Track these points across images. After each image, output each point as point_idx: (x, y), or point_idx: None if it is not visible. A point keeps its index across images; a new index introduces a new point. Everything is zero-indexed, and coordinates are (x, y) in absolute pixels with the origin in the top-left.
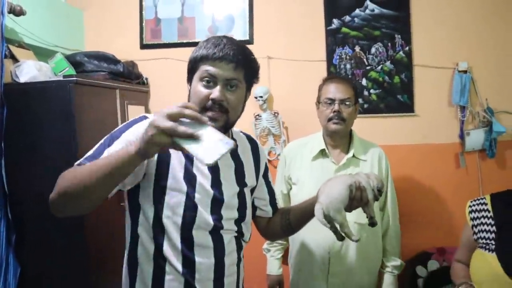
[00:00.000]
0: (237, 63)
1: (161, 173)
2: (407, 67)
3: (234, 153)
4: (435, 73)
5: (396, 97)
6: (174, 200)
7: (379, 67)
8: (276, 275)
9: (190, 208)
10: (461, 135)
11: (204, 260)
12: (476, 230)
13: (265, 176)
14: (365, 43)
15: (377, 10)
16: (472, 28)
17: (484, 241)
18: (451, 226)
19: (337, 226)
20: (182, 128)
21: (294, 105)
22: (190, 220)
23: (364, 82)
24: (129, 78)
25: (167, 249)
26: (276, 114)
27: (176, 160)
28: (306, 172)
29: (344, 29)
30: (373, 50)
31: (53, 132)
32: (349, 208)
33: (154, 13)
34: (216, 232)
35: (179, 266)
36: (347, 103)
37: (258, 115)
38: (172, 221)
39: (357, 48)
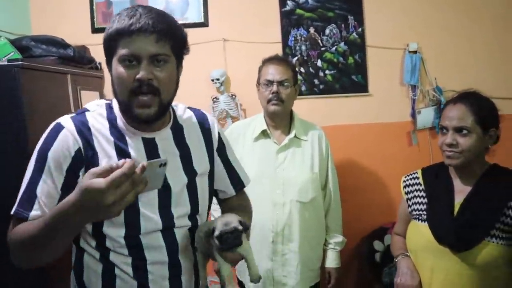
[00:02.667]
0: (160, 33)
1: None
2: (360, 48)
3: (178, 139)
4: (387, 54)
5: (350, 78)
6: None
7: (334, 48)
8: None
9: (132, 214)
10: (413, 114)
11: (156, 259)
12: (410, 203)
13: (221, 153)
14: (320, 24)
15: None
16: (421, 10)
17: (417, 212)
18: None
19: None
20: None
21: (251, 87)
22: (135, 227)
23: (319, 63)
24: (81, 63)
25: (114, 257)
26: (233, 96)
27: (105, 160)
28: (248, 153)
29: (298, 11)
30: (327, 31)
31: None
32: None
33: None
34: (168, 231)
35: (129, 270)
36: (285, 84)
37: (215, 97)
38: (113, 232)
39: (312, 30)
